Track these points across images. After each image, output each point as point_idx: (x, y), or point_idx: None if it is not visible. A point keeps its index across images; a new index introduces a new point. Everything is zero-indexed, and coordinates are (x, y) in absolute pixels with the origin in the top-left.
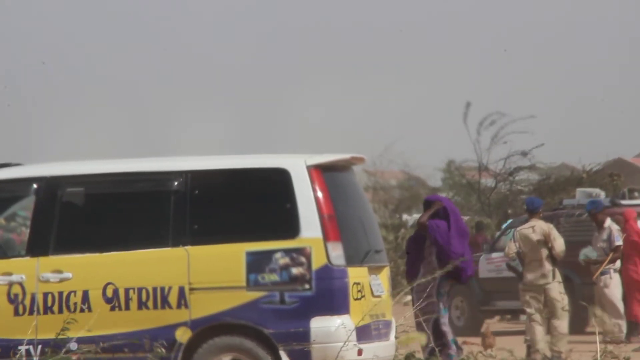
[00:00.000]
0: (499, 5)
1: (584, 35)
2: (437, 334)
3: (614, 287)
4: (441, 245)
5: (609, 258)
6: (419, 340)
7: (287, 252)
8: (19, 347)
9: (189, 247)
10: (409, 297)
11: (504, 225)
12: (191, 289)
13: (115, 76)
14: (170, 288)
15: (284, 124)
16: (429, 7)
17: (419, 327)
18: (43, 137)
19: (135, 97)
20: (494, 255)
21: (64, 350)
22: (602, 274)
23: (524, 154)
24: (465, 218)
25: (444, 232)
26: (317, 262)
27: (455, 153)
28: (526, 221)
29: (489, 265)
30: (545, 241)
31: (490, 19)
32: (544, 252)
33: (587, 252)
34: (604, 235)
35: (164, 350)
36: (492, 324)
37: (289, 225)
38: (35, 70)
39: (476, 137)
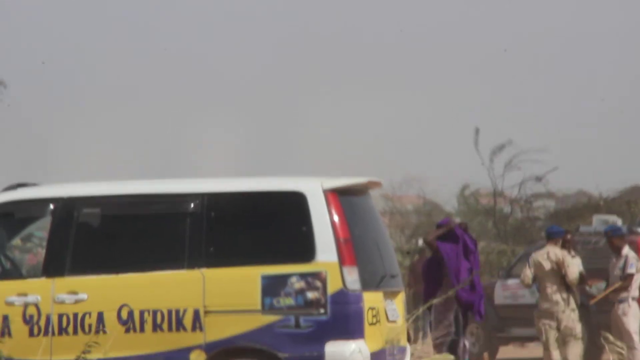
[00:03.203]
0: (509, 21)
1: (594, 49)
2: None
3: (631, 316)
4: (449, 268)
5: (614, 286)
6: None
7: (302, 276)
8: None
9: (204, 270)
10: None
11: (521, 253)
12: (206, 312)
13: (130, 88)
14: (185, 310)
15: (295, 144)
16: (438, 28)
17: (438, 351)
18: (59, 156)
19: (149, 109)
20: (510, 281)
21: None
22: (620, 302)
23: (539, 179)
24: (482, 244)
25: (452, 255)
26: (333, 286)
27: (470, 178)
28: (542, 247)
29: (505, 292)
30: (559, 268)
31: (501, 39)
32: (558, 279)
33: (596, 289)
34: (620, 263)
35: None
36: (507, 350)
37: (304, 249)
38: (47, 85)
39: (489, 164)
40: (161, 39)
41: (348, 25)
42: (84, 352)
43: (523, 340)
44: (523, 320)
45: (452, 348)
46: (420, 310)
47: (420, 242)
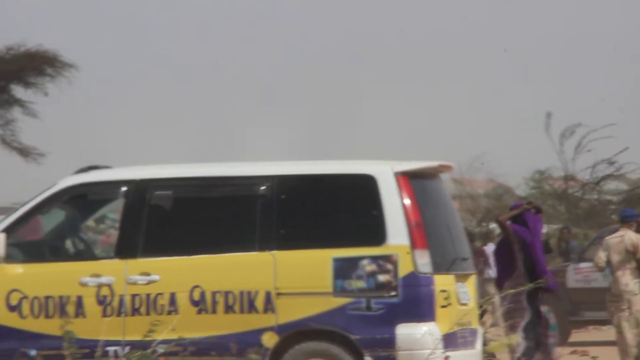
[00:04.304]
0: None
1: None
2: (534, 338)
3: None
4: (525, 243)
5: None
6: (511, 342)
7: (373, 259)
8: (107, 348)
9: (275, 252)
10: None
11: (594, 235)
12: (278, 294)
13: (176, 81)
14: (257, 292)
15: (363, 134)
16: (506, 15)
17: (509, 332)
18: (127, 142)
19: (202, 103)
20: (582, 265)
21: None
22: None
23: (610, 162)
24: (555, 227)
25: (526, 232)
26: (404, 269)
27: (540, 161)
28: (616, 231)
29: (577, 276)
30: (634, 252)
31: (567, 26)
32: (632, 263)
33: None
34: None
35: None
36: (581, 333)
37: (375, 232)
38: (112, 74)
39: (560, 147)
40: (218, 32)
41: (412, 18)
42: (149, 332)
43: (596, 323)
44: (596, 304)
45: (530, 330)
46: (496, 295)
47: (492, 226)
